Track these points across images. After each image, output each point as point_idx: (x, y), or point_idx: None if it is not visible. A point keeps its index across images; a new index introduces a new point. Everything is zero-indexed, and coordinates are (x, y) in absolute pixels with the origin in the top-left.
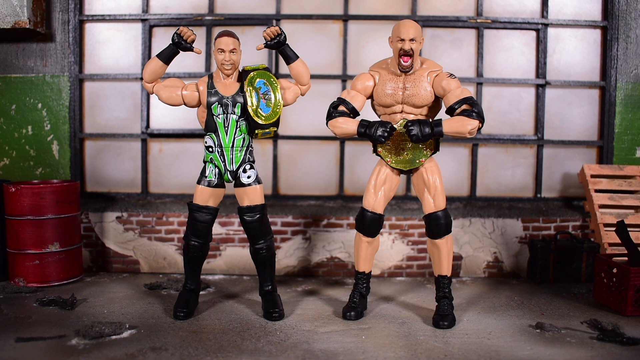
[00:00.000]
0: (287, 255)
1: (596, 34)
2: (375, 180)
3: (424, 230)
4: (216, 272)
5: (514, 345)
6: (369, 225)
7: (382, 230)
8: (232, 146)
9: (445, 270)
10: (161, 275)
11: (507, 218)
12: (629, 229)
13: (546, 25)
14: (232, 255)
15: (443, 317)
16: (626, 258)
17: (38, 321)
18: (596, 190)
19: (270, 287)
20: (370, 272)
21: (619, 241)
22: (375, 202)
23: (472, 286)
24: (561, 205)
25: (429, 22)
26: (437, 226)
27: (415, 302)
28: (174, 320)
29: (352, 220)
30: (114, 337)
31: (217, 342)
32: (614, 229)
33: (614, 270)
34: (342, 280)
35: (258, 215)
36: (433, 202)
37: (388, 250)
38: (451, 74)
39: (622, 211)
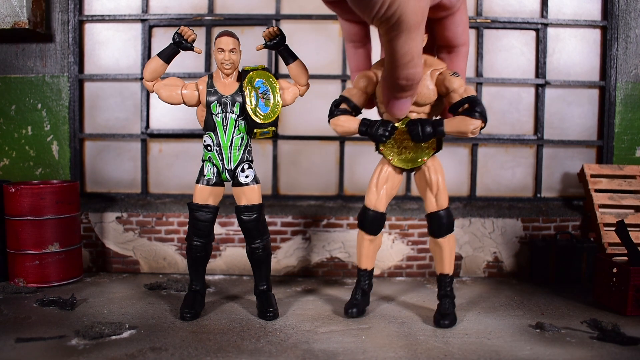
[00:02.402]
0: (287, 255)
1: (596, 34)
2: (377, 178)
3: (424, 230)
4: (216, 272)
5: (514, 345)
6: (371, 223)
7: (382, 230)
8: (231, 145)
9: (447, 268)
10: (161, 275)
11: (507, 218)
12: (629, 229)
13: (546, 25)
14: (232, 255)
15: (444, 316)
16: (626, 258)
17: (38, 321)
18: (596, 190)
19: (265, 286)
20: (373, 269)
21: (619, 241)
22: (377, 200)
23: (472, 286)
24: (561, 205)
25: None
26: (439, 225)
27: (415, 302)
28: (174, 320)
29: (352, 220)
30: (114, 337)
31: (217, 342)
32: (614, 228)
33: (614, 270)
34: (342, 280)
35: (255, 215)
36: (435, 201)
37: (388, 250)
38: (454, 72)
39: (622, 211)
